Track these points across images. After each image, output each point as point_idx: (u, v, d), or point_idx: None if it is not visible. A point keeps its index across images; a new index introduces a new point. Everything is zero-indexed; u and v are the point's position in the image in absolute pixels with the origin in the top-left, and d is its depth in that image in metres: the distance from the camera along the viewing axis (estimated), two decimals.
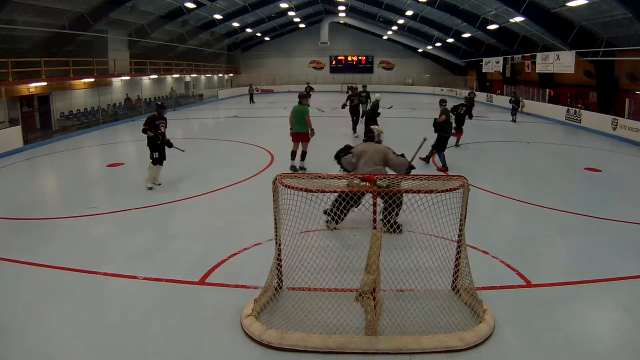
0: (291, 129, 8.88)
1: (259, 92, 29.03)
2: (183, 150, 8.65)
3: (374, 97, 12.35)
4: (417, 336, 3.42)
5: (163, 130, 7.90)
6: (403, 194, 5.25)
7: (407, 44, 35.80)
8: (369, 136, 6.06)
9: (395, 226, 5.40)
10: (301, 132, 8.76)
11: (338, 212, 4.92)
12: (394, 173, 5.63)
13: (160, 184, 8.00)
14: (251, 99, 27.67)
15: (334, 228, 5.64)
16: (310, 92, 23.62)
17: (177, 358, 3.33)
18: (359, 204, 4.69)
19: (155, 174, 7.92)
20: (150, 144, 7.78)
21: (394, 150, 5.86)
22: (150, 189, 7.79)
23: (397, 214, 5.36)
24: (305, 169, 8.80)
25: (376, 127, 6.35)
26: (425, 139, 6.64)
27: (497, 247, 5.23)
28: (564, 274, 4.69)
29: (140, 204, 6.99)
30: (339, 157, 6.08)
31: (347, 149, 6.07)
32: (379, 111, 11.81)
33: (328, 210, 5.37)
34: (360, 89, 15.21)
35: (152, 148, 7.79)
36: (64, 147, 12.85)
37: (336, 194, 4.78)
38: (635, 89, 15.97)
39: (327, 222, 5.65)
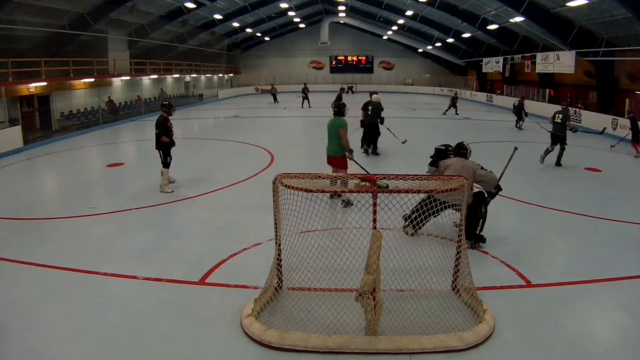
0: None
1: (259, 92, 28.62)
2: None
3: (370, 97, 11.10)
4: (417, 336, 3.42)
5: (173, 132, 7.66)
6: (482, 208, 5.23)
7: (407, 44, 35.80)
8: (462, 153, 5.41)
9: (479, 241, 5.22)
10: (335, 154, 6.74)
11: (419, 220, 4.77)
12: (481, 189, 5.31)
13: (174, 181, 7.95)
14: (275, 99, 27.00)
15: (412, 234, 5.30)
16: (308, 93, 23.60)
17: (177, 358, 3.33)
18: (439, 214, 4.55)
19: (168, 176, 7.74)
20: (164, 147, 7.45)
21: (482, 166, 5.33)
22: (172, 192, 7.52)
23: (481, 228, 5.24)
24: (351, 204, 6.43)
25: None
26: (516, 149, 5.72)
27: (497, 247, 5.23)
28: (564, 274, 4.69)
29: (140, 204, 6.99)
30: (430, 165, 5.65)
31: (439, 154, 5.58)
32: (382, 116, 10.60)
33: (407, 216, 5.13)
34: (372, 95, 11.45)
35: (166, 152, 7.49)
36: (64, 147, 12.84)
37: (418, 202, 4.62)
38: (635, 89, 15.98)
39: (404, 227, 5.40)
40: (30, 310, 3.95)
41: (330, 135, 6.76)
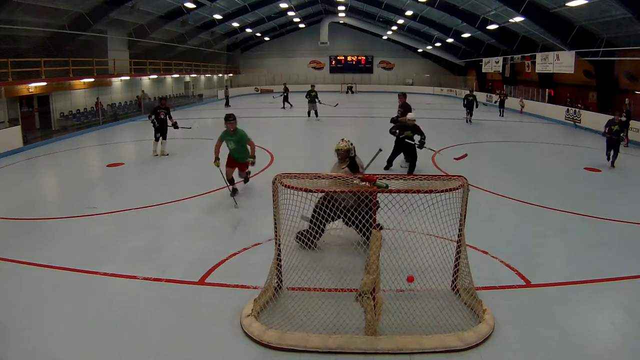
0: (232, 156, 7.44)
1: (259, 92, 28.38)
2: (190, 128, 11.39)
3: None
4: (417, 336, 3.42)
5: (162, 117, 10.80)
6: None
7: (407, 44, 35.80)
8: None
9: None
10: (245, 161, 7.54)
11: (308, 235, 4.54)
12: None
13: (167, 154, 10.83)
14: (227, 103, 25.67)
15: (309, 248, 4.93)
16: (287, 94, 23.08)
17: (177, 358, 3.33)
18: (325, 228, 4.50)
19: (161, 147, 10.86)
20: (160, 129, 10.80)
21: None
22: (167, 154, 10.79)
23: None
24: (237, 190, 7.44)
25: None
26: (380, 150, 6.19)
27: (497, 247, 5.23)
28: (564, 274, 4.70)
29: (140, 204, 6.99)
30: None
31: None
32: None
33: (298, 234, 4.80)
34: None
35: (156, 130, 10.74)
36: (64, 147, 12.85)
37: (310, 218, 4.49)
38: (635, 89, 15.98)
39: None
40: (30, 310, 3.95)
41: (241, 144, 7.34)
